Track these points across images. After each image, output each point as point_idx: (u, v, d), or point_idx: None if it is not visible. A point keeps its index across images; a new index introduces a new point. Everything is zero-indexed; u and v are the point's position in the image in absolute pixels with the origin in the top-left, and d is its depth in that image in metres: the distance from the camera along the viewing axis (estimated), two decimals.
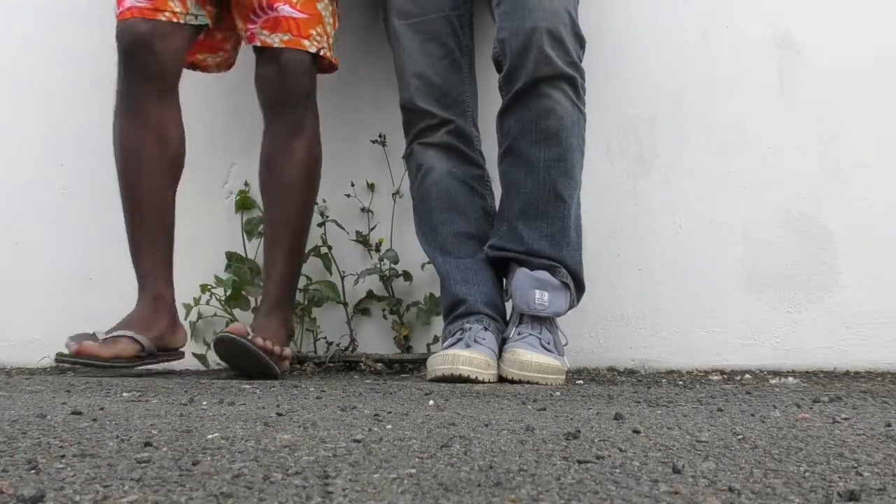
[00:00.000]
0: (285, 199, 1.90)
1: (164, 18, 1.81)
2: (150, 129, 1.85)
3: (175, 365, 2.04)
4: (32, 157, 2.31)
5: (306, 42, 1.86)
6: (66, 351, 1.78)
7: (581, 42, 1.77)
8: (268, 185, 1.92)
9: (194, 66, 2.02)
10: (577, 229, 1.83)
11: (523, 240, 1.79)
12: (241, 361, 1.77)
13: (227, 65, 2.05)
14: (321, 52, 1.88)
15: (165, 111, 1.87)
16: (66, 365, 1.78)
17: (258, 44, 1.86)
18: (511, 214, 1.81)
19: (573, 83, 1.76)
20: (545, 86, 1.73)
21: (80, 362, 1.75)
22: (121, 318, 1.86)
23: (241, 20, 1.90)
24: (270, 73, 1.87)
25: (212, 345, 1.76)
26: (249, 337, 1.75)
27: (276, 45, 1.85)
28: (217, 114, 2.15)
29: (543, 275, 1.77)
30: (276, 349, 1.78)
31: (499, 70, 1.78)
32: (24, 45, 2.33)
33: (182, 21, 1.83)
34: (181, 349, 1.95)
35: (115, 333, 1.80)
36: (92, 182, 2.24)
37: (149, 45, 1.80)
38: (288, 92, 1.87)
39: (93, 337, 1.79)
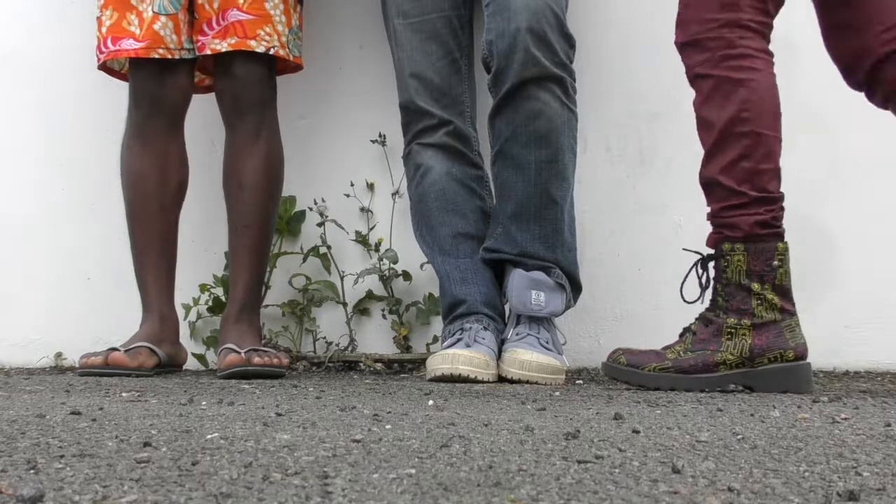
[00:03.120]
0: (247, 201, 1.92)
1: (157, 56, 1.86)
2: (158, 160, 1.95)
3: None
4: (32, 156, 2.31)
5: (253, 42, 1.87)
6: (72, 362, 1.82)
7: (570, 42, 1.76)
8: (229, 187, 1.94)
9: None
10: (571, 230, 1.83)
11: (517, 242, 1.79)
12: (248, 379, 1.81)
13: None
14: (271, 51, 1.89)
15: (172, 142, 1.96)
16: (93, 372, 1.85)
17: (208, 52, 1.88)
18: (504, 217, 1.81)
19: (562, 83, 1.75)
20: (533, 87, 1.73)
21: (108, 372, 1.81)
22: (105, 321, 1.95)
23: (195, 33, 1.92)
24: (227, 84, 1.90)
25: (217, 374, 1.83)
26: (250, 363, 1.79)
27: (223, 50, 1.86)
28: (215, 115, 2.15)
29: (539, 275, 1.77)
30: (276, 360, 1.83)
31: (487, 71, 1.78)
32: (24, 46, 2.33)
33: (178, 56, 1.89)
34: (182, 367, 2.03)
35: (136, 345, 1.87)
36: (92, 182, 2.24)
37: (160, 81, 1.90)
38: (245, 101, 1.90)
39: (108, 352, 1.85)
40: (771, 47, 1.95)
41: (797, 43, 2.05)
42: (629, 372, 1.59)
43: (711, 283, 1.59)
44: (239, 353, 1.80)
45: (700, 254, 1.68)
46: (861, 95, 2.05)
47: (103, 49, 1.89)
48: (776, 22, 2.08)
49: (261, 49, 1.87)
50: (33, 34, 2.33)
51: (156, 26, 1.86)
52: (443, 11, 1.90)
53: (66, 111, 2.30)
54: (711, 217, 1.59)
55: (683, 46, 1.58)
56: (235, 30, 1.86)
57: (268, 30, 1.88)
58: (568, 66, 1.76)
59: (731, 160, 1.55)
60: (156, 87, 1.91)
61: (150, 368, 1.86)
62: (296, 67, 2.00)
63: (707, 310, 1.59)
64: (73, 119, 2.30)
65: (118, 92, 2.02)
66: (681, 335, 1.62)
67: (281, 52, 1.90)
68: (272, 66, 1.93)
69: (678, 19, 1.58)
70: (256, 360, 1.79)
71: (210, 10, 1.88)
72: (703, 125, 1.58)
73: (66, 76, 2.29)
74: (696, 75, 1.56)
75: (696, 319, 1.60)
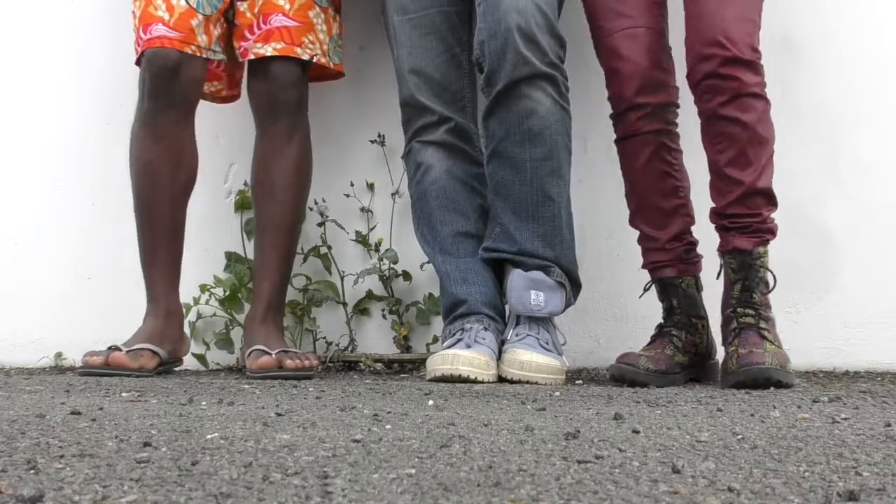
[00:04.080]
0: (279, 200, 1.94)
1: (189, 51, 1.86)
2: (169, 151, 1.92)
3: None
4: (32, 156, 2.31)
5: (299, 49, 1.89)
6: (73, 362, 1.80)
7: (560, 41, 1.77)
8: (262, 186, 1.96)
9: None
10: (569, 227, 1.84)
11: (516, 240, 1.79)
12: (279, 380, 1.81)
13: (233, 95, 2.08)
14: (314, 59, 1.91)
15: (183, 134, 1.94)
16: (94, 372, 1.83)
17: (252, 57, 1.90)
18: (502, 216, 1.81)
19: (553, 81, 1.76)
20: (525, 86, 1.73)
21: (108, 372, 1.80)
22: (105, 321, 1.91)
23: (237, 39, 1.94)
24: (262, 85, 1.92)
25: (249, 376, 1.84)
26: (282, 366, 1.80)
27: (269, 55, 1.88)
28: (217, 114, 2.15)
29: (538, 275, 1.77)
30: (306, 363, 1.84)
31: (480, 71, 1.79)
32: (20, 45, 2.33)
33: (204, 55, 1.89)
34: (182, 359, 2.02)
35: (138, 346, 1.85)
36: (92, 182, 2.24)
37: (176, 73, 1.87)
38: (280, 102, 1.92)
39: (109, 352, 1.84)
40: (771, 46, 1.96)
41: (797, 42, 2.05)
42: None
43: (740, 282, 1.69)
44: (270, 354, 1.81)
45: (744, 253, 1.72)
46: (861, 94, 2.05)
47: (140, 41, 1.88)
48: (776, 22, 2.08)
49: (305, 56, 1.90)
50: (31, 34, 2.33)
51: (193, 22, 1.85)
52: (441, 6, 1.90)
53: (66, 111, 2.30)
54: (759, 223, 1.69)
55: (740, 62, 1.63)
56: (282, 35, 1.88)
57: (311, 38, 1.91)
58: (559, 66, 1.77)
59: (772, 172, 1.72)
60: (171, 78, 1.88)
61: (151, 370, 1.85)
62: (336, 75, 2.02)
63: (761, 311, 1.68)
64: (72, 119, 2.30)
65: (118, 92, 2.02)
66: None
67: (323, 60, 1.93)
68: (307, 69, 1.95)
69: (728, 31, 1.61)
70: (288, 362, 1.80)
71: (251, 15, 1.90)
72: (758, 141, 1.68)
73: (65, 76, 2.29)
74: (754, 94, 1.65)
75: (763, 321, 1.67)
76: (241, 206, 2.19)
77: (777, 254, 1.92)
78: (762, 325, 1.67)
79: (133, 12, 1.90)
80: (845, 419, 1.08)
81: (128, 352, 1.83)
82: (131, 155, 1.94)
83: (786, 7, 2.06)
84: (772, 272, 1.70)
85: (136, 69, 1.93)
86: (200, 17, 1.86)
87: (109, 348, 1.85)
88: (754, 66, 1.64)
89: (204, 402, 1.28)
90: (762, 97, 1.66)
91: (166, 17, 1.84)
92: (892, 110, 2.03)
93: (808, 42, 2.05)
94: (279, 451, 0.79)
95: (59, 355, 2.22)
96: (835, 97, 2.03)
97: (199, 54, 1.87)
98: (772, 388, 1.57)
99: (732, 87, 1.63)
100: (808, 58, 2.05)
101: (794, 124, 2.03)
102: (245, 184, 2.18)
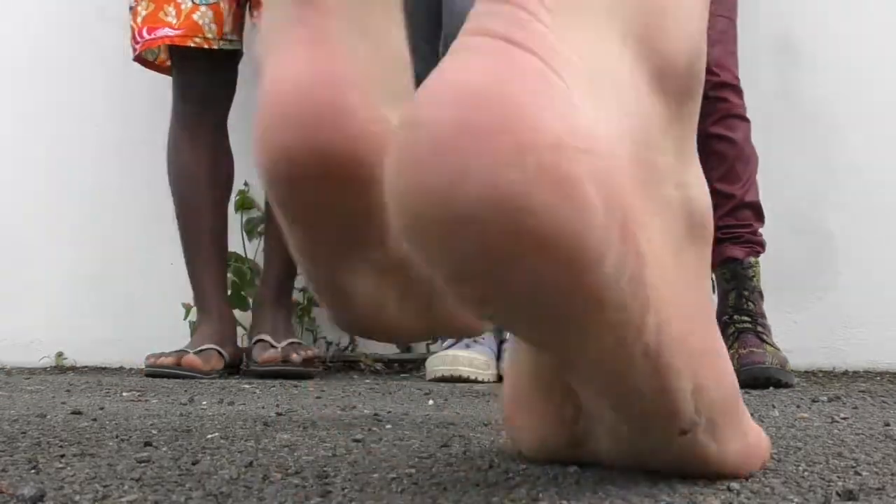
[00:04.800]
0: None
1: (193, 45, 1.82)
2: (207, 154, 1.90)
3: None
4: (32, 157, 2.31)
5: None
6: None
7: None
8: None
9: None
10: None
11: None
12: (282, 377, 1.80)
13: None
14: None
15: (218, 135, 1.92)
16: (161, 372, 1.80)
17: None
18: None
19: None
20: None
21: (180, 373, 1.76)
22: (105, 321, 1.86)
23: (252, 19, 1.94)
24: None
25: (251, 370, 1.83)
26: (288, 361, 1.80)
27: None
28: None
29: None
30: (309, 353, 1.83)
31: None
32: (23, 47, 2.34)
33: (216, 46, 1.84)
34: (241, 367, 1.96)
35: (206, 347, 1.83)
36: (91, 181, 2.24)
37: (205, 76, 1.86)
38: None
39: (179, 354, 1.81)
40: (771, 47, 1.97)
41: (797, 42, 2.05)
42: None
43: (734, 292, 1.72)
44: (276, 347, 1.80)
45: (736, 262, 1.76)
46: (862, 97, 2.05)
47: (138, 39, 1.87)
48: (776, 22, 2.08)
49: None
50: (32, 35, 2.33)
51: (195, 16, 1.83)
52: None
53: (66, 112, 2.30)
54: (750, 234, 1.74)
55: (728, 86, 1.74)
56: None
57: None
58: None
59: (757, 189, 1.77)
60: (203, 81, 1.87)
61: (220, 371, 1.83)
62: None
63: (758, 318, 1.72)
64: (72, 120, 2.30)
65: (118, 93, 2.02)
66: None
67: None
68: None
69: (718, 60, 1.72)
70: (294, 356, 1.79)
71: None
72: (745, 158, 1.75)
73: (66, 77, 2.30)
74: (740, 115, 1.75)
75: (760, 326, 1.71)
76: (241, 206, 2.19)
77: (777, 254, 1.92)
78: (759, 329, 1.70)
79: (133, 9, 1.87)
80: (844, 419, 1.08)
81: (196, 352, 1.80)
82: (169, 159, 1.91)
83: (786, 7, 2.06)
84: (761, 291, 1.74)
85: (136, 71, 1.93)
86: (203, 7, 1.84)
87: (176, 351, 1.82)
88: (739, 91, 1.76)
89: (204, 402, 1.28)
90: (746, 119, 1.75)
91: (174, 21, 1.82)
92: (891, 111, 2.03)
93: (808, 42, 2.05)
94: (279, 450, 0.79)
95: (59, 355, 2.22)
96: (834, 97, 2.04)
97: (206, 45, 1.83)
98: (771, 388, 1.58)
99: (722, 108, 1.72)
100: (808, 58, 2.05)
101: (794, 124, 2.03)
102: (245, 184, 2.18)
